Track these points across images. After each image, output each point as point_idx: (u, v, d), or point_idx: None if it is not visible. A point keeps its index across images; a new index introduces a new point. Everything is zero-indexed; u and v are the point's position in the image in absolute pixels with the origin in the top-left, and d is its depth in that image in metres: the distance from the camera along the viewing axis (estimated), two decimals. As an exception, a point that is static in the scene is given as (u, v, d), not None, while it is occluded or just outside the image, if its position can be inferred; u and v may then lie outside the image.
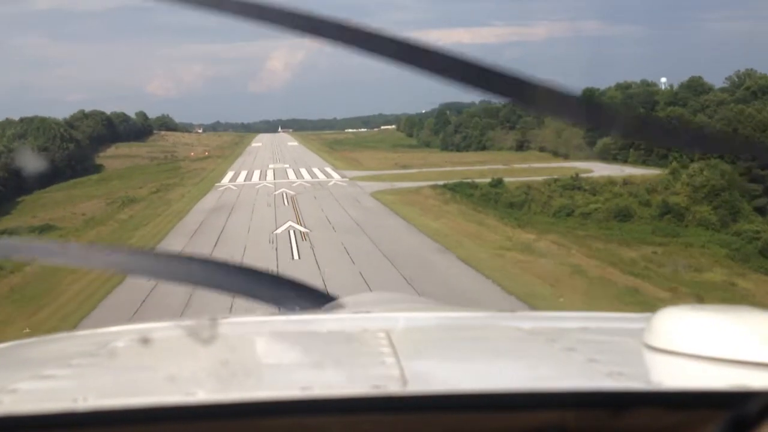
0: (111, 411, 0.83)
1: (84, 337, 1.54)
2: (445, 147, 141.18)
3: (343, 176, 69.92)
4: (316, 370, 1.03)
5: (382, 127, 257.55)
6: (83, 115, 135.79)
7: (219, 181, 69.35)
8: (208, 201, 53.00)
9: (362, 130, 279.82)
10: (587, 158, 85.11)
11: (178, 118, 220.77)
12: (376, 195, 52.49)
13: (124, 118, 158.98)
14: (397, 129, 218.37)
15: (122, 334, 1.38)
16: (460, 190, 57.01)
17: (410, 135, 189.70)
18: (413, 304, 2.02)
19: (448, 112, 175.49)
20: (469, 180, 60.56)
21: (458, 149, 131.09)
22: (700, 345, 1.02)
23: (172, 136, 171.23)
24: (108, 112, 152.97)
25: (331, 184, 63.66)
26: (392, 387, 0.92)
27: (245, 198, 53.80)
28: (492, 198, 55.75)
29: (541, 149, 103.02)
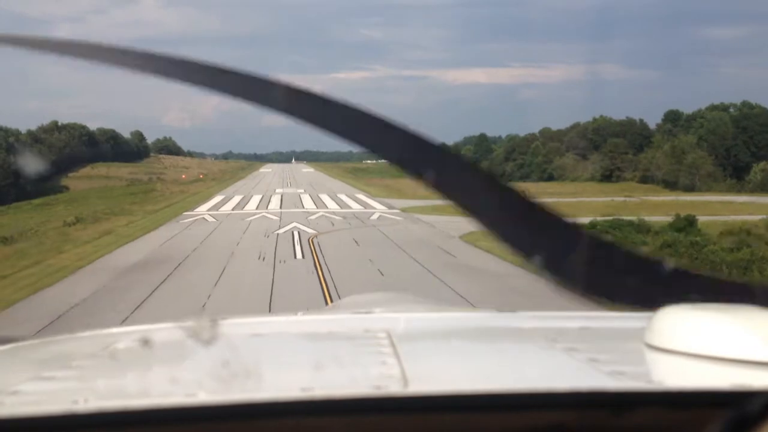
0: (111, 412, 0.83)
1: (85, 338, 1.52)
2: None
3: (389, 207, 44.03)
4: (317, 371, 1.02)
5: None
6: (55, 127, 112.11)
7: (193, 209, 43.77)
8: (144, 246, 27.14)
9: (383, 161, 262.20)
10: (730, 190, 59.59)
11: (192, 148, 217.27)
12: (476, 241, 26.36)
13: (112, 135, 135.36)
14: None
15: (123, 335, 1.38)
16: (625, 236, 31.01)
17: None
18: (414, 304, 1.92)
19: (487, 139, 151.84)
20: (631, 218, 34.82)
21: (511, 179, 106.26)
22: (701, 344, 1.02)
23: (169, 159, 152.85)
24: (93, 127, 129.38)
25: (375, 217, 37.94)
26: (393, 387, 0.91)
27: (220, 241, 27.98)
28: (684, 251, 29.55)
29: (644, 179, 77.09)
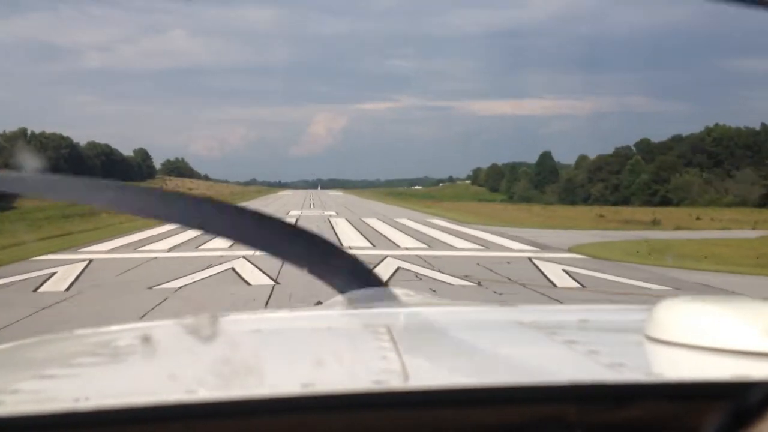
0: (112, 410, 0.82)
1: (85, 336, 1.51)
2: (571, 200, 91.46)
3: (533, 244, 19.13)
4: (317, 367, 1.01)
5: (441, 185, 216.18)
6: (23, 136, 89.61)
7: (85, 245, 19.61)
8: None
9: (417, 187, 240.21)
10: None
11: (218, 176, 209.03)
12: None
13: (104, 150, 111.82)
14: (473, 183, 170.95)
15: (124, 333, 1.41)
16: None
17: (495, 189, 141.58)
18: (414, 299, 1.99)
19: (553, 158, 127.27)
20: None
21: (597, 202, 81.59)
22: (701, 336, 1.02)
23: (175, 182, 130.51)
24: (83, 142, 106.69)
25: (550, 271, 12.82)
26: (394, 382, 0.90)
27: None
28: None
29: None
